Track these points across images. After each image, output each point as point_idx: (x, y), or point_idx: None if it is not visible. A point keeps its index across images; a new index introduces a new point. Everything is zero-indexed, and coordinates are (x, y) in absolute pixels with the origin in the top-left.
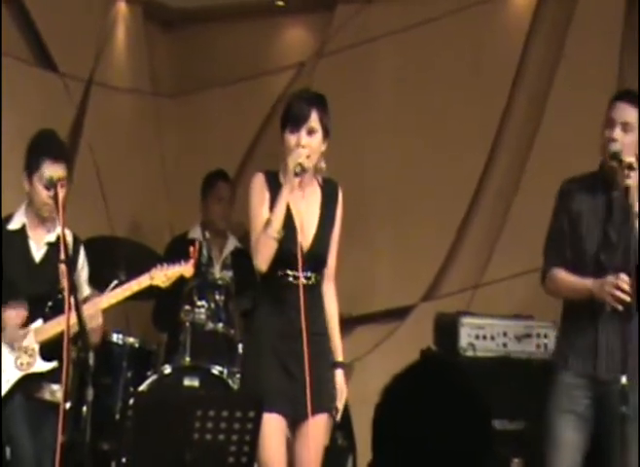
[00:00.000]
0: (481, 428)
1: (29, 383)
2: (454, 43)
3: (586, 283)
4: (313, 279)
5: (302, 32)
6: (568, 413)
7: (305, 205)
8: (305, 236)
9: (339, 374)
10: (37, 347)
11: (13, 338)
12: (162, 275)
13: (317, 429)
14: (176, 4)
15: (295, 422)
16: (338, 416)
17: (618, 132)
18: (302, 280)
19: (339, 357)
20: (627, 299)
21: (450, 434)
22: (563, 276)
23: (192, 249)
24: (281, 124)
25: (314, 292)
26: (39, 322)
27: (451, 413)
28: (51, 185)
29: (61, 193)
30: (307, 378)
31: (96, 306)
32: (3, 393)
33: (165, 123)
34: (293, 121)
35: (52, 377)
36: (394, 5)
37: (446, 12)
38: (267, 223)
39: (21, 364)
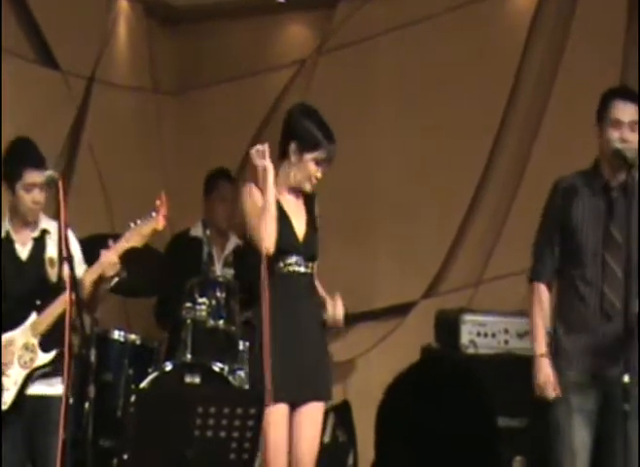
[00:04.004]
0: (486, 427)
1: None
2: (456, 40)
3: (540, 349)
4: (311, 268)
5: (302, 29)
6: (579, 412)
7: (295, 206)
8: (299, 231)
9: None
10: (36, 341)
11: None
12: (137, 235)
13: (316, 414)
14: (177, 2)
15: (294, 407)
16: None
17: (627, 132)
18: (302, 269)
19: None
20: None
21: (455, 432)
22: (539, 309)
23: (158, 202)
24: (302, 145)
25: (312, 281)
26: (33, 316)
27: (456, 411)
28: (52, 183)
29: (42, 197)
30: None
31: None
32: (13, 394)
33: (166, 120)
34: (323, 154)
35: (54, 368)
36: (395, 2)
37: (448, 8)
38: (263, 209)
39: (25, 362)
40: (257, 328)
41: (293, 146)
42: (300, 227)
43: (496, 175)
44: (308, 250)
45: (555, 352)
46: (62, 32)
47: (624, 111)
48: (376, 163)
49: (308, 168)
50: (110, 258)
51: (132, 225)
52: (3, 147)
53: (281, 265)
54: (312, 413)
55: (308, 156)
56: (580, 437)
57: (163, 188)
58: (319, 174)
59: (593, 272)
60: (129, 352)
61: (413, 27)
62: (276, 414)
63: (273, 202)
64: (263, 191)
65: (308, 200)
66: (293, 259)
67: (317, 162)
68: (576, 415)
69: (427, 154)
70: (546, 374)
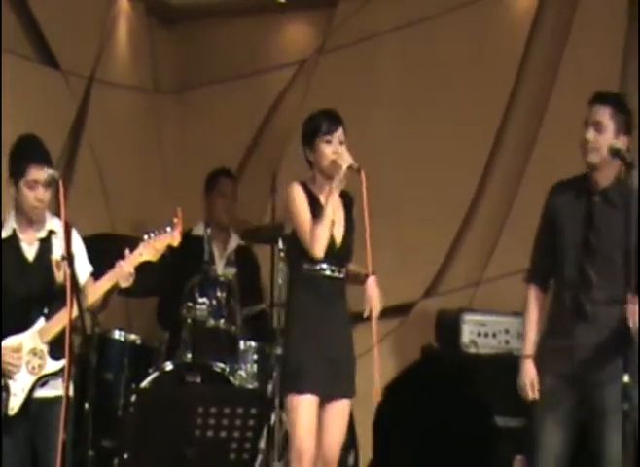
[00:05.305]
0: (483, 425)
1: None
2: (457, 39)
3: (526, 351)
4: (343, 273)
5: (303, 29)
6: (552, 412)
7: (338, 208)
8: (338, 236)
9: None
10: (46, 348)
11: (12, 370)
12: (151, 249)
13: (344, 411)
14: (178, 1)
15: (323, 402)
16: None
17: (590, 132)
18: (335, 274)
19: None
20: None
21: (453, 430)
22: (530, 312)
23: (176, 219)
24: (312, 141)
25: (343, 286)
26: (41, 322)
27: (454, 410)
28: (53, 182)
29: (46, 195)
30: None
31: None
32: (21, 400)
33: (167, 119)
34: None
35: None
36: (396, 1)
37: (449, 8)
38: (323, 216)
39: (33, 368)
40: (290, 321)
41: (308, 151)
42: (339, 231)
43: (497, 175)
44: (343, 256)
45: (537, 353)
46: (62, 31)
47: (590, 113)
48: (376, 162)
49: (323, 150)
50: (125, 269)
51: (146, 238)
52: (10, 145)
53: (316, 267)
54: (340, 410)
55: (317, 143)
56: (551, 436)
57: (163, 187)
58: (339, 148)
59: (570, 276)
60: (130, 352)
61: (415, 26)
62: (306, 404)
63: (330, 217)
64: (326, 199)
65: (347, 202)
66: (326, 264)
67: (328, 142)
68: (549, 415)
69: (428, 153)
70: (528, 376)
